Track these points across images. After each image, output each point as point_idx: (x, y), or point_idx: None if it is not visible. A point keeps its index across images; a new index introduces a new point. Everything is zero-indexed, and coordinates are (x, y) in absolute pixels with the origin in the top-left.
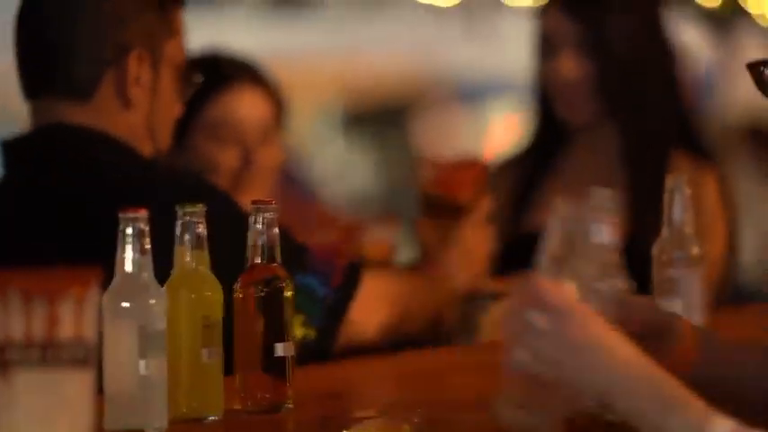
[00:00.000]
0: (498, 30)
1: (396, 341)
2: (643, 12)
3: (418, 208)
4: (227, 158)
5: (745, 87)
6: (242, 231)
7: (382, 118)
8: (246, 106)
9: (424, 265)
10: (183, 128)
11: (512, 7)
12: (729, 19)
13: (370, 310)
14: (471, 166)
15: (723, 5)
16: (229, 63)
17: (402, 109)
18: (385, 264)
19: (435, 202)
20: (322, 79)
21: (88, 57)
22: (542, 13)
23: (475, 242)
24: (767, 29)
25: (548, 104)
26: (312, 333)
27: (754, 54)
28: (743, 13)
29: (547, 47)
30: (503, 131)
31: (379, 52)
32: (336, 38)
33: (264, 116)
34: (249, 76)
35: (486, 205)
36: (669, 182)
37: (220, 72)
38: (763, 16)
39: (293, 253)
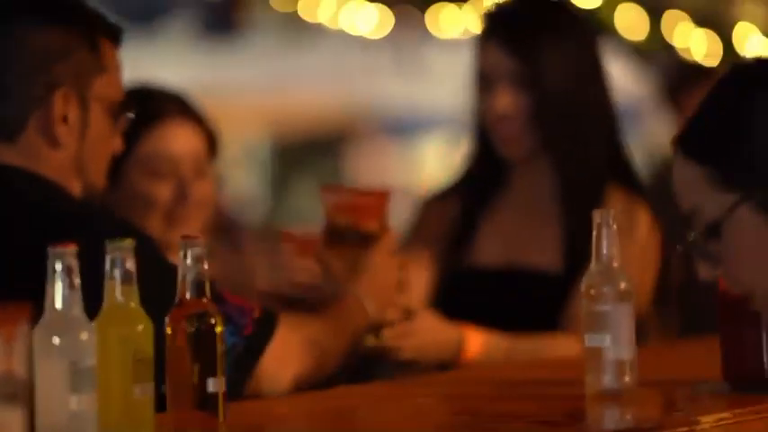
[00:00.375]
0: (428, 62)
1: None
2: (580, 47)
3: (324, 237)
4: (162, 193)
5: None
6: (164, 275)
7: (312, 150)
8: (180, 140)
9: (332, 298)
10: (117, 164)
11: (442, 40)
12: (655, 53)
13: (284, 361)
14: (376, 194)
15: (649, 40)
16: (161, 97)
17: (333, 141)
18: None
19: (341, 230)
20: (252, 112)
21: (13, 96)
22: (479, 47)
23: (383, 270)
24: (693, 63)
25: (485, 138)
26: None
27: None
28: (669, 48)
29: (483, 81)
30: (434, 164)
31: (309, 85)
32: (266, 70)
33: (198, 150)
34: (181, 110)
35: (393, 233)
36: (596, 217)
37: (152, 106)
38: (688, 50)
39: None
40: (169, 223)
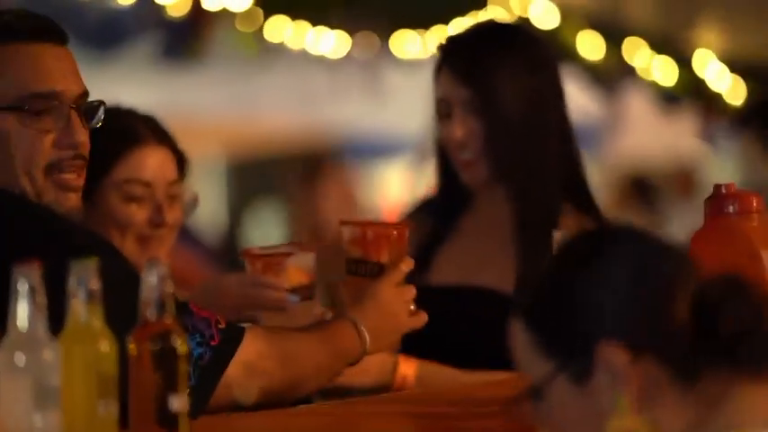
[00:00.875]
0: (392, 85)
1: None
2: (536, 71)
3: (341, 270)
4: (138, 217)
5: (629, 140)
6: (131, 285)
7: (273, 172)
8: (156, 165)
9: (333, 322)
10: (95, 186)
11: (405, 63)
12: (614, 73)
13: (254, 372)
14: (388, 226)
15: (607, 59)
16: (137, 121)
17: (295, 164)
18: (307, 289)
19: (354, 262)
20: (212, 133)
21: None
22: (436, 74)
23: (386, 301)
24: (651, 82)
25: (448, 164)
26: None
27: (640, 107)
28: (627, 67)
29: (441, 109)
30: (397, 187)
31: (272, 107)
32: (227, 92)
33: (171, 174)
34: (156, 134)
35: (405, 266)
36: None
37: (129, 130)
38: (646, 70)
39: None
40: (143, 246)
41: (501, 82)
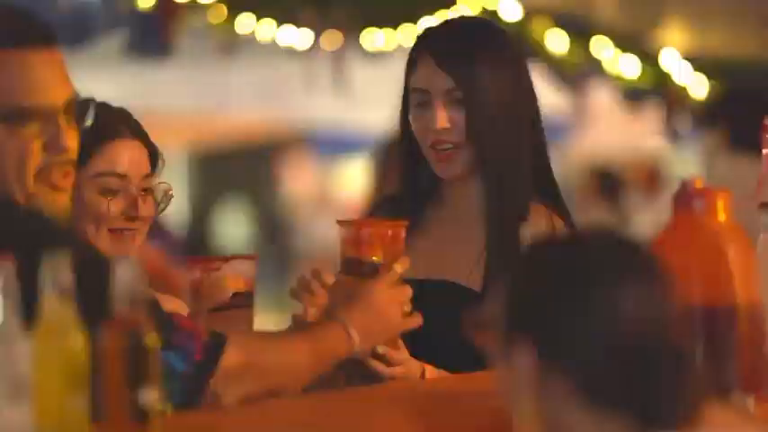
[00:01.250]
0: (363, 80)
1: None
2: (512, 65)
3: (339, 269)
4: (112, 210)
5: (594, 135)
6: (105, 279)
7: (241, 165)
8: (130, 158)
9: (321, 323)
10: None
11: (377, 57)
12: (579, 69)
13: (231, 382)
14: (382, 226)
15: (572, 55)
16: (112, 115)
17: (261, 156)
18: (244, 296)
19: (350, 262)
20: (180, 126)
21: None
22: (412, 65)
23: (378, 301)
24: (616, 78)
25: (417, 155)
26: (169, 409)
27: (605, 103)
28: (593, 63)
29: (418, 98)
30: (362, 179)
31: (241, 101)
32: (194, 84)
33: (145, 167)
34: (130, 128)
35: (399, 266)
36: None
37: (105, 124)
38: (611, 66)
39: (158, 324)
40: (116, 239)
41: (482, 73)
